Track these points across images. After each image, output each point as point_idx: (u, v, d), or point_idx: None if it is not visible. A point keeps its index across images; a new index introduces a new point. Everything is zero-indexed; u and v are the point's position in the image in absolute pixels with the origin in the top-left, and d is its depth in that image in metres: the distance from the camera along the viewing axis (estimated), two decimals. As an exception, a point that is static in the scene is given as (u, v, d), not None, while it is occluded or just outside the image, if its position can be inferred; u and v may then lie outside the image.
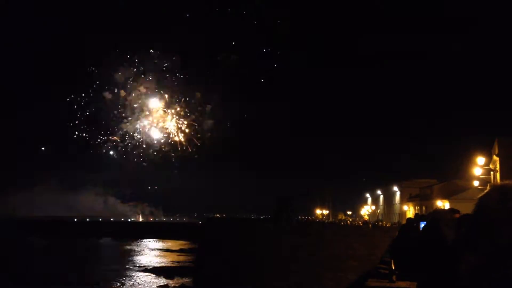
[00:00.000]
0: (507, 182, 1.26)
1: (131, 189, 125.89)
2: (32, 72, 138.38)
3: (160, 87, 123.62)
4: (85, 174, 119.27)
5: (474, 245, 1.18)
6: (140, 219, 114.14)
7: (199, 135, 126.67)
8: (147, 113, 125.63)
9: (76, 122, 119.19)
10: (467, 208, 1.72)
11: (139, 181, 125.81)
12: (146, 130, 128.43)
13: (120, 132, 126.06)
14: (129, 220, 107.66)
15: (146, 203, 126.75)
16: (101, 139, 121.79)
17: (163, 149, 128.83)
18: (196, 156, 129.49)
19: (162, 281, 29.73)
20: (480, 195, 1.32)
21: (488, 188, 1.40)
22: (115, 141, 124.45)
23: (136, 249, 55.19)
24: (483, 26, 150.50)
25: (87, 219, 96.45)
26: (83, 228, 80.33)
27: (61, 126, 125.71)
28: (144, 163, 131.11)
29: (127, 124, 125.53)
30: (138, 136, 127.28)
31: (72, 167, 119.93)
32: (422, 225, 4.67)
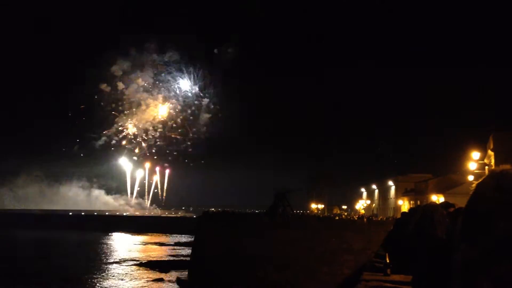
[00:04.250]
0: (505, 168, 1.21)
1: (118, 182, 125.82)
2: (29, 63, 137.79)
3: (157, 81, 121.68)
4: (72, 167, 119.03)
5: (469, 236, 1.16)
6: (137, 213, 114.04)
7: (194, 129, 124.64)
8: (144, 107, 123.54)
9: (69, 114, 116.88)
10: (462, 202, 1.70)
11: (129, 175, 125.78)
12: (142, 124, 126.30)
13: (115, 126, 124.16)
14: (124, 214, 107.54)
15: (135, 197, 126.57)
16: (95, 132, 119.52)
17: (157, 143, 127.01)
18: (190, 150, 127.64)
19: (157, 274, 29.74)
20: (477, 182, 1.27)
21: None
22: (110, 134, 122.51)
23: (131, 242, 55.13)
24: (481, 25, 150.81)
25: (82, 213, 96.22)
26: (76, 221, 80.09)
27: (52, 118, 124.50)
28: (134, 157, 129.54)
29: (124, 117, 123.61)
30: (133, 130, 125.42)
31: (57, 160, 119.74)
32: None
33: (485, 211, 1.15)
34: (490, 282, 1.07)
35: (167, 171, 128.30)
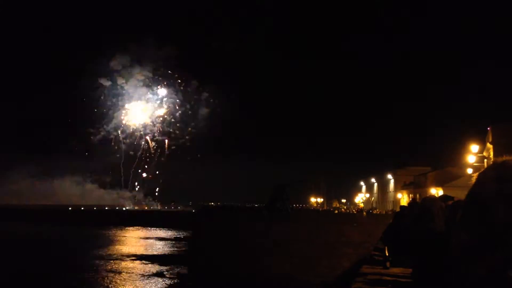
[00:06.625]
0: (507, 159, 1.21)
1: (112, 177, 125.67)
2: (26, 58, 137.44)
3: (156, 75, 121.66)
4: (67, 162, 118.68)
5: (468, 224, 1.17)
6: (136, 208, 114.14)
7: (193, 124, 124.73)
8: (143, 102, 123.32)
9: (67, 109, 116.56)
10: (461, 195, 1.70)
11: (126, 169, 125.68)
12: (141, 118, 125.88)
13: (114, 121, 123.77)
14: (124, 208, 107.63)
15: (129, 191, 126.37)
16: (93, 127, 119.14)
17: (155, 137, 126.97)
18: (188, 144, 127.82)
19: (157, 268, 29.81)
20: (479, 172, 1.28)
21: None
22: (108, 129, 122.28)
23: (130, 237, 55.29)
24: (480, 16, 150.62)
25: (82, 208, 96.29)
26: (74, 216, 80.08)
27: (50, 112, 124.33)
28: (131, 152, 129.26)
29: (123, 112, 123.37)
30: (130, 124, 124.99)
31: (52, 154, 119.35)
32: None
33: (485, 201, 1.16)
34: (485, 269, 1.07)
35: (166, 141, 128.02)
